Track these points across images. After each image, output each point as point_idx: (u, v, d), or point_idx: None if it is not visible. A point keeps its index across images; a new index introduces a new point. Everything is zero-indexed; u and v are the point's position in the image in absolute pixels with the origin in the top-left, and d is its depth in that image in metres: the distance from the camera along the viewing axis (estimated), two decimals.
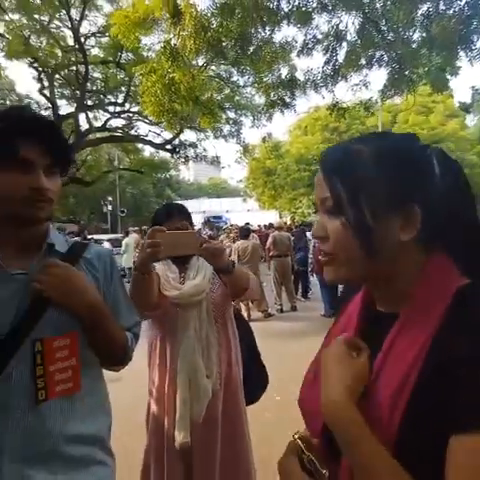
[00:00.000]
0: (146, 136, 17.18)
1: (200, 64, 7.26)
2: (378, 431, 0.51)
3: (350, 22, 5.86)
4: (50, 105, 15.41)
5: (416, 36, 5.81)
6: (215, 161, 17.04)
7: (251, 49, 6.16)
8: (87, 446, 0.90)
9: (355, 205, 0.56)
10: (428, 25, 5.29)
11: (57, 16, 13.84)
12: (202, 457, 1.52)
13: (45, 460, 0.83)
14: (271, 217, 19.14)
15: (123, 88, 15.78)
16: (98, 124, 16.62)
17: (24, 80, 17.80)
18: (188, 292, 1.51)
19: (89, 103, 16.13)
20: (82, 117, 15.74)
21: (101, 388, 1.00)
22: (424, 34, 5.58)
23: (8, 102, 15.99)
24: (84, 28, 15.19)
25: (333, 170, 0.59)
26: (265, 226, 15.24)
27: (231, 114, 14.42)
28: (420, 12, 5.37)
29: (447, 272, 0.57)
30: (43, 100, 15.98)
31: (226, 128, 14.35)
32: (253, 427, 1.76)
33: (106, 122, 16.73)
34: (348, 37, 6.06)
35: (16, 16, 12.90)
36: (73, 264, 0.93)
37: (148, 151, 22.34)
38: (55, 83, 15.45)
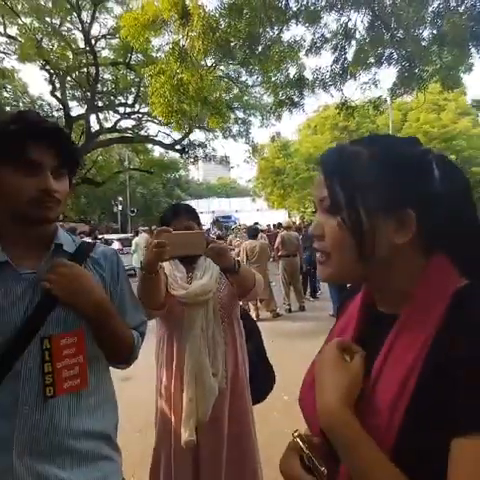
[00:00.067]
0: (156, 136, 17.34)
1: (208, 64, 7.29)
2: (377, 434, 0.51)
3: (359, 20, 5.83)
4: (61, 107, 15.65)
5: (426, 33, 5.75)
6: (224, 161, 17.10)
7: (259, 49, 6.16)
8: (94, 442, 0.92)
9: (351, 205, 0.57)
10: (438, 22, 5.22)
11: (68, 19, 14.06)
12: (208, 455, 1.53)
13: (53, 455, 0.85)
14: (280, 217, 19.10)
15: (133, 89, 15.94)
16: (108, 125, 16.86)
17: (36, 82, 18.15)
18: (195, 292, 1.52)
19: (100, 104, 16.32)
20: (93, 118, 15.98)
21: (108, 385, 1.02)
22: (434, 31, 5.51)
23: (21, 104, 16.26)
24: (95, 30, 15.49)
25: (331, 170, 0.60)
26: (274, 226, 15.21)
27: (240, 114, 14.46)
28: (430, 9, 5.31)
29: (447, 273, 0.57)
30: (55, 102, 16.27)
31: (235, 128, 14.40)
32: (260, 427, 1.77)
33: (116, 123, 16.91)
34: (357, 35, 6.03)
35: (28, 19, 13.13)
36: (80, 264, 0.95)
37: (158, 151, 22.57)
38: (66, 85, 15.67)
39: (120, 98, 16.64)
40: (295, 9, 5.72)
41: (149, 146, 19.84)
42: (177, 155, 18.77)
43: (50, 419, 0.85)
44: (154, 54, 11.60)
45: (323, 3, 5.71)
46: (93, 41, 14.25)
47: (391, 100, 7.34)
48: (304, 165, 21.33)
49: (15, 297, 0.86)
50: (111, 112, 16.97)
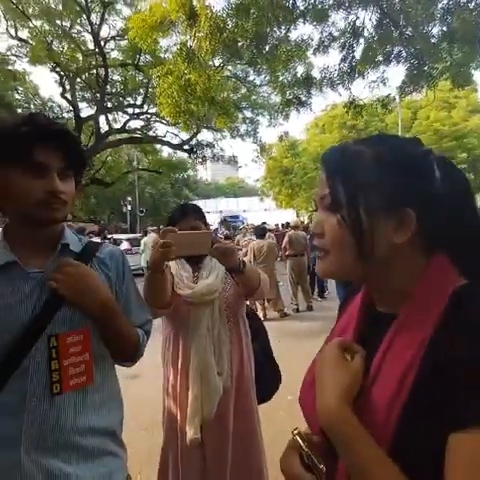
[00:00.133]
0: (164, 137, 17.44)
1: (216, 65, 7.31)
2: (375, 431, 0.51)
3: (367, 18, 5.79)
4: (72, 108, 15.82)
5: (436, 30, 5.68)
6: (232, 161, 17.14)
7: (267, 48, 6.16)
8: (100, 438, 0.94)
9: (351, 204, 0.57)
10: (448, 19, 5.15)
11: (78, 21, 14.22)
12: (214, 454, 1.54)
13: (60, 451, 0.87)
14: (288, 216, 19.07)
15: (141, 90, 16.05)
16: (118, 126, 16.99)
17: (47, 84, 18.39)
18: (201, 291, 1.54)
19: (109, 105, 16.49)
20: (102, 119, 16.15)
21: (113, 383, 1.04)
22: (444, 28, 5.44)
23: (32, 106, 16.50)
24: (104, 32, 15.63)
25: (333, 169, 0.60)
26: (282, 225, 15.18)
27: (248, 113, 14.47)
28: (440, 6, 5.24)
29: (447, 273, 0.57)
30: (65, 103, 16.46)
31: (243, 127, 14.42)
32: (266, 426, 1.77)
33: (125, 124, 17.06)
34: (365, 33, 5.98)
35: (39, 22, 13.33)
36: (86, 263, 0.97)
37: (166, 152, 22.67)
38: (76, 86, 15.86)
39: (129, 99, 16.78)
40: (302, 8, 5.70)
41: (157, 146, 19.95)
42: (185, 155, 18.87)
43: (57, 415, 0.87)
44: (162, 55, 11.70)
45: (331, 1, 5.68)
46: (102, 43, 14.40)
47: (400, 98, 7.25)
48: (312, 164, 21.21)
49: (23, 295, 0.88)
50: (120, 113, 17.13)
